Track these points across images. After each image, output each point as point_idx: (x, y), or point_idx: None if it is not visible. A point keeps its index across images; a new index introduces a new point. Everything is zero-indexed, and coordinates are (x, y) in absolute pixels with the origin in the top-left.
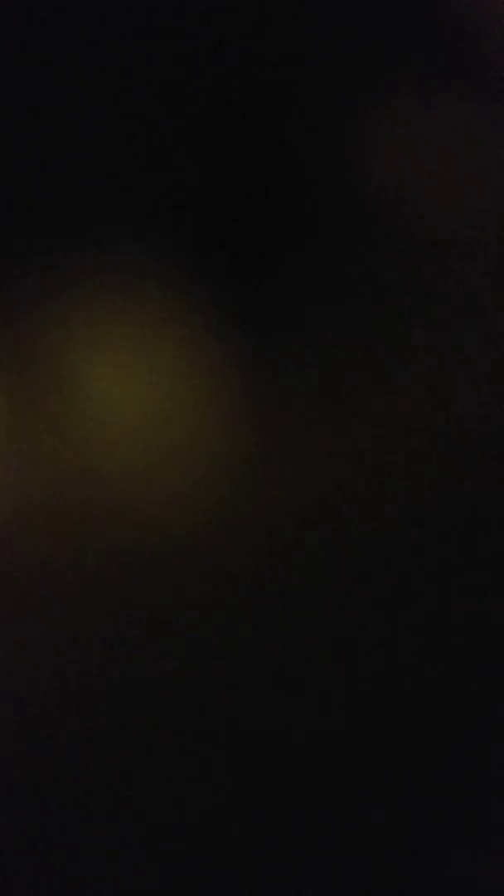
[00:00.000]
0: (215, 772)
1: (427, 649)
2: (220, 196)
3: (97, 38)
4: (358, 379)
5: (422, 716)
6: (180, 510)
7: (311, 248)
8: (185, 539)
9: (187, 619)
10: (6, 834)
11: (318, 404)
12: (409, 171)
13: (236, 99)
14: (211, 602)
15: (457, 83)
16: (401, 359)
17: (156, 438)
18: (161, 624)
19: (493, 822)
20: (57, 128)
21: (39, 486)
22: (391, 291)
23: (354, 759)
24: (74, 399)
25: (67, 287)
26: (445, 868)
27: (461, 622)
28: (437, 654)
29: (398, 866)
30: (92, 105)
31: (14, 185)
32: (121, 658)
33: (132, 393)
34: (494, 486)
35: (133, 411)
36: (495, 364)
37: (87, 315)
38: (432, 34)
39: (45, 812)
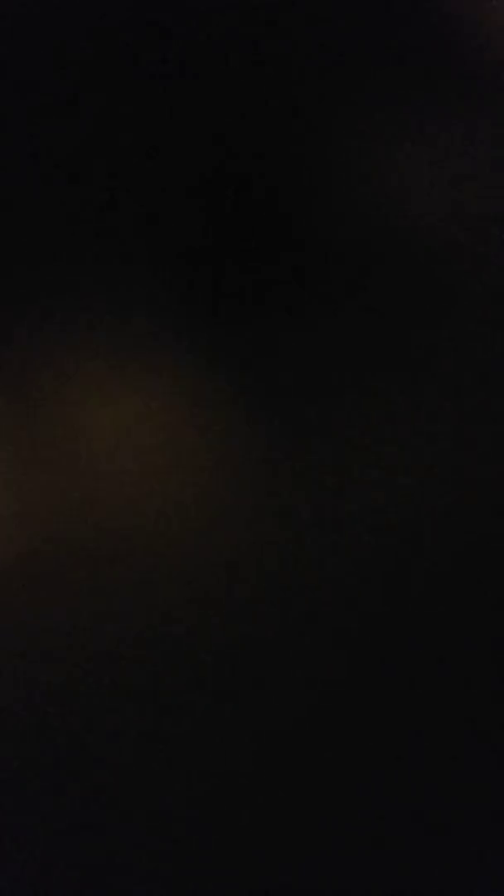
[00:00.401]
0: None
1: (431, 670)
2: (220, 249)
3: (95, 110)
4: (365, 423)
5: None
6: (182, 543)
7: (315, 294)
8: (187, 568)
9: (190, 641)
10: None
11: (322, 448)
12: (411, 206)
13: (231, 136)
14: (213, 629)
15: (462, 101)
16: (405, 403)
17: (160, 477)
18: (165, 644)
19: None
20: (60, 186)
21: (48, 521)
22: (397, 335)
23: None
24: (83, 441)
25: (72, 339)
26: (445, 874)
27: (466, 640)
28: (438, 675)
29: (398, 872)
30: (93, 160)
31: (17, 238)
32: (126, 680)
33: (137, 437)
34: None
35: (137, 454)
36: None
37: (93, 360)
38: (433, 62)
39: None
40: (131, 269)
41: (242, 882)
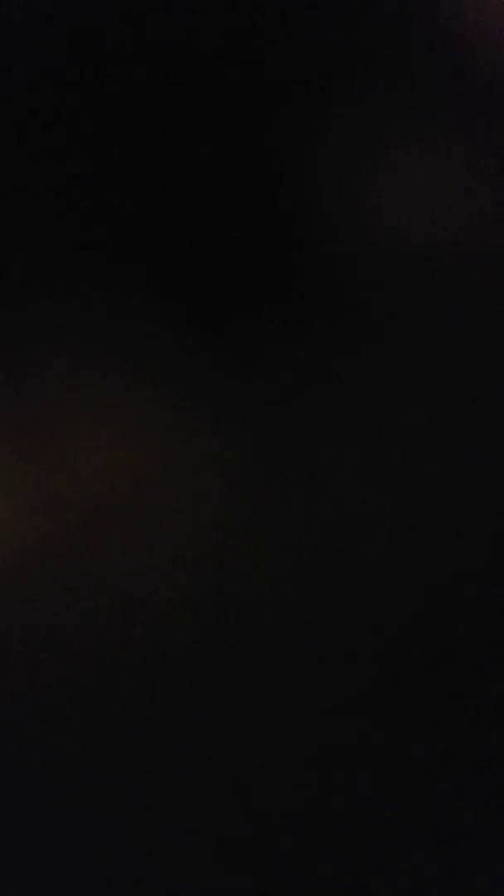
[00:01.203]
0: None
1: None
2: (218, 260)
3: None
4: (359, 433)
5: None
6: (177, 546)
7: (309, 305)
8: (184, 572)
9: (186, 644)
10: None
11: (315, 457)
12: (408, 216)
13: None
14: (211, 630)
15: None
16: (401, 412)
17: (156, 483)
18: (160, 646)
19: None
20: (61, 198)
21: (43, 525)
22: (394, 342)
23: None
24: (80, 448)
25: (69, 346)
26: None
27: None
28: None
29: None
30: (91, 167)
31: (13, 246)
32: (122, 681)
33: (133, 445)
34: (480, 543)
35: (134, 462)
36: (490, 424)
37: (89, 367)
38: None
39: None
40: (129, 278)
41: (242, 883)
